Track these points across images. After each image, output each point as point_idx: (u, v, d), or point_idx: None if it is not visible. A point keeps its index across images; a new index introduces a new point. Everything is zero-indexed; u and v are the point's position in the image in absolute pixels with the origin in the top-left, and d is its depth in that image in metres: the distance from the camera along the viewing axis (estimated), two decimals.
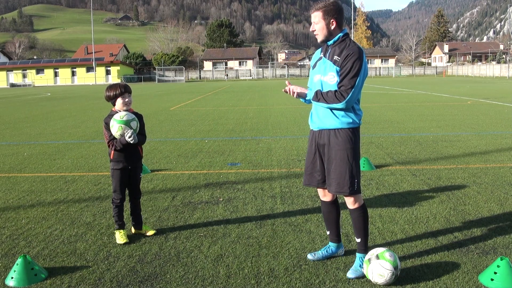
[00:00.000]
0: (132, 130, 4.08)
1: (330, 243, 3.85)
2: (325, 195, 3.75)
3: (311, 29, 3.58)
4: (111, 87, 4.24)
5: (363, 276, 3.46)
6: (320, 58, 3.61)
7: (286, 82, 3.71)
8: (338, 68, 3.41)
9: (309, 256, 3.79)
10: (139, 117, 4.31)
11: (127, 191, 4.44)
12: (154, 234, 4.43)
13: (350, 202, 3.58)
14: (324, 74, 3.51)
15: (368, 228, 3.64)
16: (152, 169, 7.37)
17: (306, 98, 3.60)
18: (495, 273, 3.26)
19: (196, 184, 6.38)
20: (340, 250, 3.86)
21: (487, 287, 3.26)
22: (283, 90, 3.66)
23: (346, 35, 3.51)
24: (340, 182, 3.47)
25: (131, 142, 4.09)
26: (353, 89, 3.35)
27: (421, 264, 3.67)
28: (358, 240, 3.61)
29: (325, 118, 3.52)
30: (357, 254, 3.61)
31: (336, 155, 3.47)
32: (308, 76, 3.69)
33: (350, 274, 3.49)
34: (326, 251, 3.81)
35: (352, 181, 3.46)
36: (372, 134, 10.64)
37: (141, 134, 4.30)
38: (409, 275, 3.48)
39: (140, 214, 4.51)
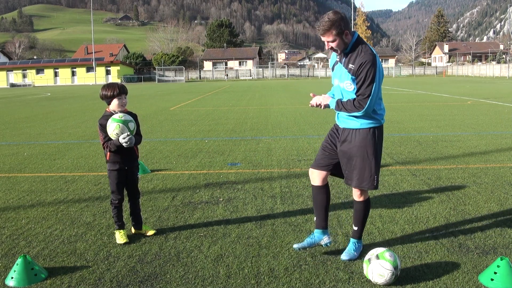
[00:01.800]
0: (128, 132, 4.04)
1: (316, 230, 3.88)
2: (315, 179, 3.86)
3: (327, 48, 3.59)
4: (109, 86, 4.21)
5: (355, 259, 3.70)
6: (337, 62, 3.71)
7: (311, 94, 3.88)
8: (353, 77, 3.52)
9: (295, 246, 3.87)
10: (134, 116, 4.28)
11: (125, 192, 4.43)
12: (154, 234, 4.43)
13: (357, 195, 3.77)
14: (341, 81, 3.65)
15: (367, 219, 3.86)
16: (152, 169, 7.37)
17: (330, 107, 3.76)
18: (495, 273, 3.26)
19: (196, 184, 6.38)
20: (325, 237, 3.83)
21: (487, 287, 3.26)
22: (310, 105, 3.83)
23: (358, 40, 3.53)
24: (360, 177, 3.65)
25: (125, 145, 4.05)
26: (370, 97, 3.48)
27: (421, 264, 3.67)
28: (355, 228, 3.83)
29: (347, 119, 3.69)
30: (351, 239, 3.87)
31: (357, 152, 3.63)
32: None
33: (344, 256, 3.76)
34: (311, 238, 3.87)
35: (371, 178, 3.65)
36: None
37: (137, 134, 4.27)
38: (409, 275, 3.48)
39: (140, 214, 4.51)
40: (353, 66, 3.49)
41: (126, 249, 4.11)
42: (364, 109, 3.49)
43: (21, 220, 4.98)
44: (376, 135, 3.64)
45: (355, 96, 3.54)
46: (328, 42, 3.52)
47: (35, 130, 13.09)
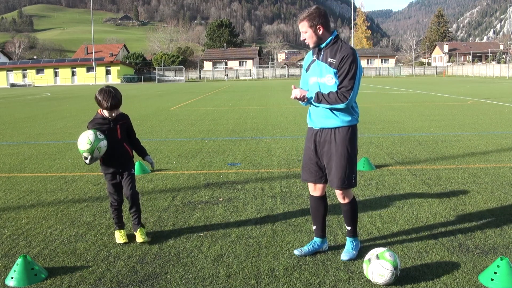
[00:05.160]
0: (92, 154, 4.03)
1: (315, 238, 3.96)
2: (315, 190, 3.88)
3: (301, 39, 3.70)
4: (104, 96, 4.10)
5: (355, 258, 3.76)
6: (313, 60, 3.71)
7: (292, 86, 3.78)
8: (335, 70, 3.53)
9: (296, 252, 3.88)
10: (125, 117, 4.37)
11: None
12: (153, 235, 4.39)
13: (341, 197, 3.77)
14: (321, 76, 3.62)
15: (357, 217, 3.89)
16: (152, 169, 7.36)
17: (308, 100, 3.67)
18: (495, 273, 3.26)
19: (196, 184, 6.38)
20: (325, 245, 3.98)
21: (487, 287, 3.26)
22: (292, 97, 3.73)
23: (337, 37, 3.63)
24: (341, 177, 3.64)
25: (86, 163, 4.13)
26: (353, 90, 3.50)
27: (421, 264, 3.67)
28: (349, 228, 3.86)
29: (324, 118, 3.65)
30: (348, 238, 3.89)
31: (337, 152, 3.63)
32: None
33: (344, 256, 3.77)
34: (312, 246, 3.92)
35: (351, 176, 3.66)
36: (372, 134, 10.64)
37: (129, 137, 4.37)
38: (409, 275, 3.48)
39: (139, 216, 4.32)
40: (334, 60, 3.52)
41: (126, 249, 4.11)
42: (347, 101, 3.49)
43: (21, 220, 4.98)
44: (354, 134, 3.68)
45: (336, 90, 3.53)
46: (302, 32, 3.63)
47: (35, 130, 13.09)
